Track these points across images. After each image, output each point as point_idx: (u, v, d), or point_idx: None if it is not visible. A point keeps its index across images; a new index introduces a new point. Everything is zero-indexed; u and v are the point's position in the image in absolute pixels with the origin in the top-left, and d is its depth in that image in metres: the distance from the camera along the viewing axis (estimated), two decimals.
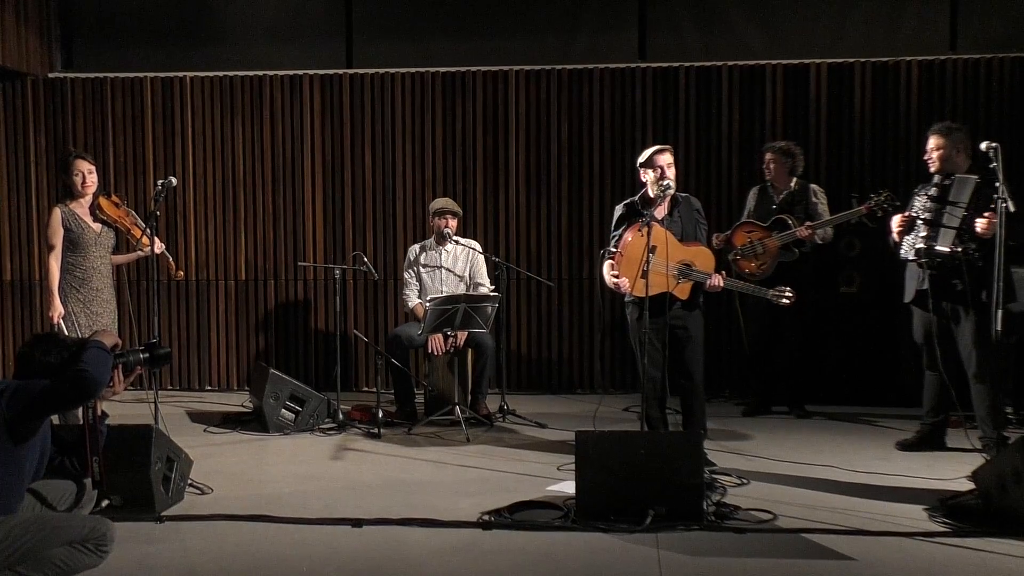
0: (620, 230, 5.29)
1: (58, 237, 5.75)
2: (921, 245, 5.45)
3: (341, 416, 6.48)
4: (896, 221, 5.60)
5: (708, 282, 5.18)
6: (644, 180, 5.36)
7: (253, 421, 6.58)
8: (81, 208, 5.83)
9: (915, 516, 4.48)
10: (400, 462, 5.60)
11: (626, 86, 7.74)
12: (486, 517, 4.48)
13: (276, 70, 7.96)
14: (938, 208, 5.44)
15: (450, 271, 6.82)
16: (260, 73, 7.96)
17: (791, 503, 4.68)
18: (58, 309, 5.72)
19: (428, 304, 6.25)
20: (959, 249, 5.30)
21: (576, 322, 7.86)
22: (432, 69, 7.87)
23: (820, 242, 6.58)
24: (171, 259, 6.13)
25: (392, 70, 7.90)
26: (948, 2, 7.62)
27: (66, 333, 5.60)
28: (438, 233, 6.81)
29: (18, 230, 8.09)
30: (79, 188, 5.80)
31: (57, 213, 5.79)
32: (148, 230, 5.75)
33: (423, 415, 6.60)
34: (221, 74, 7.97)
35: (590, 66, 7.78)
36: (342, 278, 7.12)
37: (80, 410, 3.62)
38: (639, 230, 5.02)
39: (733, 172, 7.65)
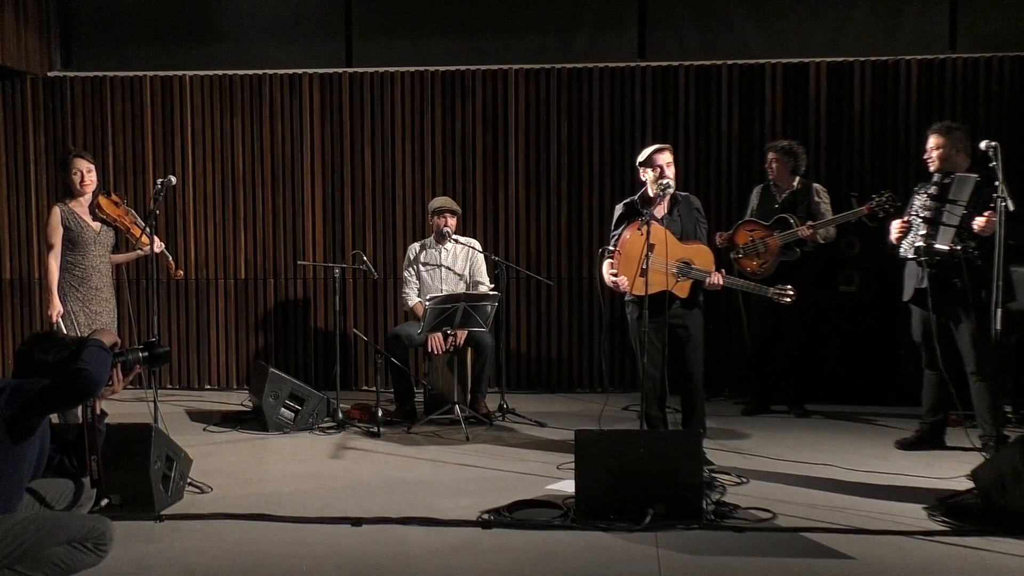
0: (620, 229, 5.29)
1: (57, 236, 5.74)
2: (920, 243, 5.44)
3: (341, 415, 6.48)
4: (896, 226, 5.60)
5: (707, 280, 5.17)
6: (643, 179, 5.36)
7: (252, 420, 6.58)
8: (80, 207, 5.82)
9: (914, 515, 4.48)
10: (400, 461, 5.60)
11: (626, 85, 7.74)
12: (486, 516, 4.48)
13: (276, 69, 7.95)
14: (937, 207, 5.44)
15: (450, 270, 6.82)
16: (260, 72, 7.96)
17: (790, 502, 4.68)
18: (57, 308, 5.71)
19: (428, 303, 6.25)
20: (958, 247, 5.30)
21: (575, 321, 7.85)
22: (432, 68, 7.86)
23: (822, 241, 6.57)
24: (171, 258, 6.13)
25: (392, 69, 7.90)
26: (948, 1, 7.60)
27: (65, 332, 5.59)
28: (437, 232, 6.81)
29: (17, 229, 8.09)
30: (78, 187, 5.79)
31: (56, 212, 5.78)
32: (147, 229, 5.73)
33: (423, 414, 6.60)
34: (221, 73, 7.97)
35: (590, 65, 7.77)
36: (342, 277, 7.11)
37: (79, 409, 3.61)
38: (638, 228, 5.01)
39: (732, 171, 7.65)
